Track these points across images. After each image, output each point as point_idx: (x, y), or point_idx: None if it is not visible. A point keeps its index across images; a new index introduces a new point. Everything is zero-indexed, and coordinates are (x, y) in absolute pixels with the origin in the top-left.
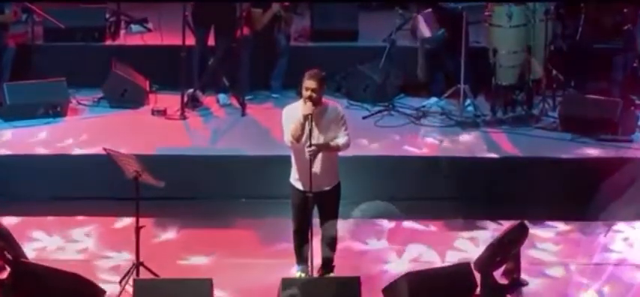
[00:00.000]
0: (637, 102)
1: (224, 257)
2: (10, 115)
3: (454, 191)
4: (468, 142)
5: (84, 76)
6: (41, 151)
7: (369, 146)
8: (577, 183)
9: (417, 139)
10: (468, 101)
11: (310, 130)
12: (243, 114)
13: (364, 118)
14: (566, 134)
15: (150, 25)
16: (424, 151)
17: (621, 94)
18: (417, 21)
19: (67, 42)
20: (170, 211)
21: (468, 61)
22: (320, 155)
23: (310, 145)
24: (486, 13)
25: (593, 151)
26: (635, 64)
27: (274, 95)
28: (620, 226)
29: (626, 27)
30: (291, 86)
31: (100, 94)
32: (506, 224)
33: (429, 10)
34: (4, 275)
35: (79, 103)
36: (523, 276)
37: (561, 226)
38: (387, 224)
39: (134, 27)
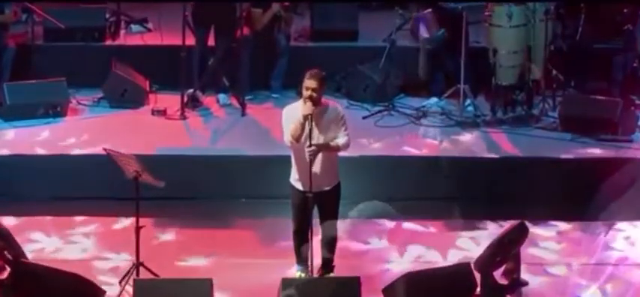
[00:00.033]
0: (637, 102)
1: (224, 257)
2: (10, 115)
3: (454, 191)
4: (468, 142)
5: (84, 76)
6: (41, 151)
7: (369, 146)
8: (577, 183)
9: (417, 139)
10: (468, 101)
11: (310, 130)
12: (243, 114)
13: (364, 118)
14: (566, 134)
15: (150, 25)
16: (424, 152)
17: (621, 94)
18: (415, 24)
19: (67, 42)
20: (170, 212)
21: (468, 61)
22: (320, 155)
23: (310, 145)
24: (486, 13)
25: (593, 151)
26: (635, 64)
27: (274, 95)
28: (622, 224)
29: (626, 27)
30: (291, 86)
31: (100, 94)
32: (507, 224)
33: (429, 10)
34: (4, 275)
35: (79, 103)
36: (525, 275)
37: (562, 225)
38: (387, 224)
39: (134, 27)
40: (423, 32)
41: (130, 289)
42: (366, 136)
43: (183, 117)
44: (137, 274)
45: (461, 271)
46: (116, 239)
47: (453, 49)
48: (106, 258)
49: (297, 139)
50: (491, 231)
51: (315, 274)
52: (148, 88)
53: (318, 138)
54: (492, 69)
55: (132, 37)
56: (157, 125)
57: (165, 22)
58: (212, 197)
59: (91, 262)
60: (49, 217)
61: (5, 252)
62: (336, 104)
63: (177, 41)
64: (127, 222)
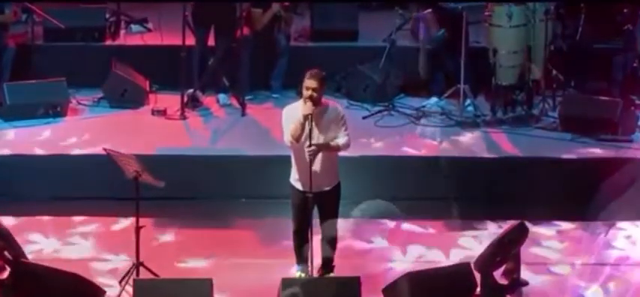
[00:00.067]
0: (637, 102)
1: (224, 257)
2: (10, 115)
3: (454, 191)
4: (468, 142)
5: (84, 76)
6: (41, 151)
7: (369, 146)
8: (577, 183)
9: (417, 140)
10: (468, 101)
11: (310, 130)
12: (243, 114)
13: (364, 118)
14: (566, 134)
15: (150, 25)
16: (424, 152)
17: (621, 94)
18: (415, 24)
19: (67, 42)
20: (170, 212)
21: (468, 61)
22: (320, 155)
23: (310, 145)
24: (486, 13)
25: (593, 151)
26: (635, 64)
27: (274, 95)
28: (623, 223)
29: (626, 27)
30: (291, 86)
31: (100, 94)
32: (507, 224)
33: (429, 10)
34: (4, 275)
35: (79, 103)
36: (526, 274)
37: (562, 225)
38: (387, 224)
39: (134, 27)
40: (423, 33)
41: (129, 289)
42: (366, 136)
43: (183, 117)
44: (137, 274)
45: (461, 271)
46: (116, 240)
47: (453, 49)
48: (105, 259)
49: (297, 139)
50: (491, 231)
51: (315, 274)
52: (148, 88)
53: (318, 138)
54: (492, 69)
55: (132, 37)
56: (157, 125)
57: (165, 22)
58: (212, 197)
59: (90, 263)
60: (49, 217)
61: (5, 252)
62: (336, 104)
63: (178, 41)
64: (126, 222)
